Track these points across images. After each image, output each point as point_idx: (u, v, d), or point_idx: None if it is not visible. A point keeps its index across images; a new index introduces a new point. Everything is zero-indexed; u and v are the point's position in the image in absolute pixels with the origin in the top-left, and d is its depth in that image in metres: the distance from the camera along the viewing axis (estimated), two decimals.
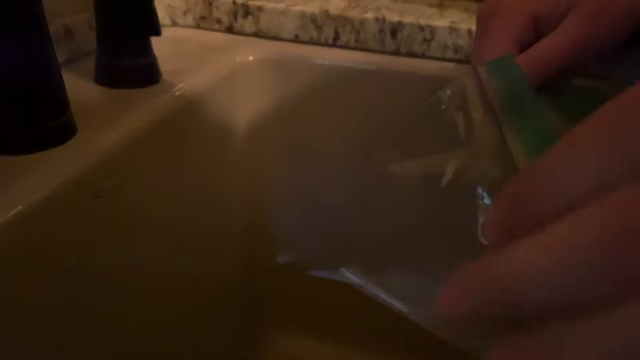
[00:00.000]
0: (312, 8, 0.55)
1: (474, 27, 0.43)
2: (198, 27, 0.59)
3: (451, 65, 0.52)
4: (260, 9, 0.56)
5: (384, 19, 0.53)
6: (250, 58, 0.54)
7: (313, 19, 0.55)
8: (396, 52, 0.54)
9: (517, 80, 0.26)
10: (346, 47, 0.55)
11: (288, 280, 0.60)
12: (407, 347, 0.59)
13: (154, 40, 0.45)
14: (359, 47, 0.55)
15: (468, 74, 0.27)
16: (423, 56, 0.53)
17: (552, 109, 0.29)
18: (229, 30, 0.58)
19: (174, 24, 0.59)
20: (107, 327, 0.40)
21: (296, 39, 0.56)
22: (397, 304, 0.24)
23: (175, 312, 0.48)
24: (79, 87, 0.43)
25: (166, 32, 0.49)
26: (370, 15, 0.54)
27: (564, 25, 0.30)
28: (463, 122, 0.27)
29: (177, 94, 0.46)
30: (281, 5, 0.56)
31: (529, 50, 0.30)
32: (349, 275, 0.25)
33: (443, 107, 0.28)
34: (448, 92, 0.28)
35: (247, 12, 0.57)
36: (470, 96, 0.27)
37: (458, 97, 0.27)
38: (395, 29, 0.53)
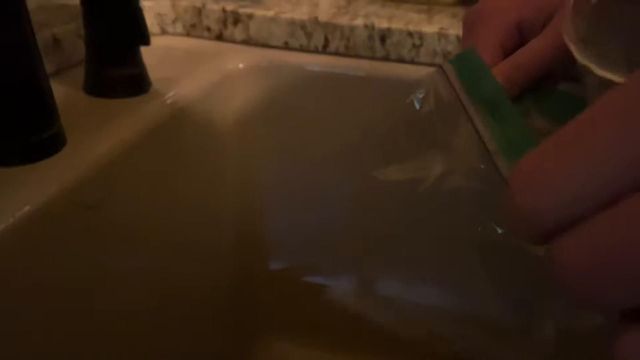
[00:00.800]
0: (302, 15, 0.55)
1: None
2: (188, 35, 0.59)
3: None
4: (249, 16, 0.57)
5: (373, 26, 0.54)
6: (241, 65, 0.55)
7: (302, 26, 0.55)
8: (386, 58, 0.54)
9: (481, 75, 0.26)
10: (336, 53, 0.56)
11: (281, 286, 0.60)
12: (402, 353, 0.59)
13: (143, 49, 0.45)
14: (349, 53, 0.55)
15: (437, 73, 0.27)
16: (412, 62, 0.54)
17: (538, 112, 0.30)
18: (219, 37, 0.58)
19: (164, 32, 0.59)
20: (101, 336, 0.40)
21: (286, 46, 0.57)
22: (383, 322, 0.24)
23: (169, 320, 0.48)
24: (69, 98, 0.43)
25: (156, 40, 0.49)
26: (359, 21, 0.54)
27: (548, 29, 0.30)
28: (438, 123, 0.27)
29: (167, 102, 0.46)
30: (271, 13, 0.56)
31: (513, 54, 0.30)
32: (336, 295, 0.25)
33: (418, 108, 0.28)
34: (420, 95, 0.28)
35: (236, 19, 0.57)
36: (442, 96, 0.27)
37: (431, 97, 0.28)
38: (384, 35, 0.54)
